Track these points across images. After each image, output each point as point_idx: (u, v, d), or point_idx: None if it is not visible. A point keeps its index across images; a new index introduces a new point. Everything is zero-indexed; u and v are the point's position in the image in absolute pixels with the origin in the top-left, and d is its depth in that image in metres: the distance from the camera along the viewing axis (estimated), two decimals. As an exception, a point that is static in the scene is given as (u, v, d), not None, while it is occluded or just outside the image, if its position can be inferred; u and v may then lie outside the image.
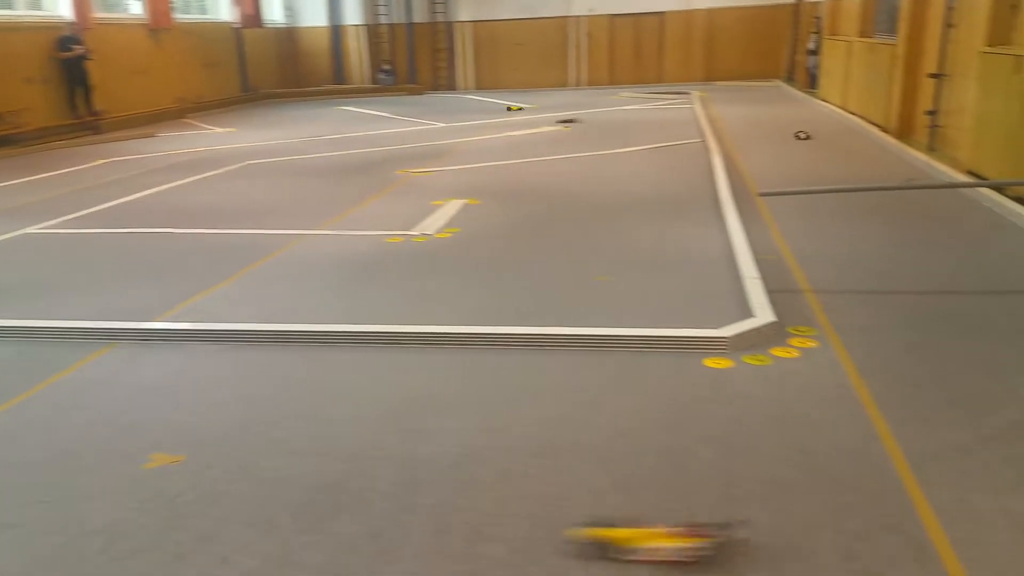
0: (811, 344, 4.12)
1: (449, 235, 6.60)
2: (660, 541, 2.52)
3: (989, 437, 3.18)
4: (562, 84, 22.81)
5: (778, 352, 4.03)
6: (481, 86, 23.17)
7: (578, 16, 22.38)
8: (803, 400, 3.54)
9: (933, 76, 9.65)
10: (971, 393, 3.56)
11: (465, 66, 23.30)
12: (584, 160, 10.17)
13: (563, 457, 3.15)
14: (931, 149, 9.53)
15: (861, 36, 13.63)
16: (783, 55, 21.01)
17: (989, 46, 7.99)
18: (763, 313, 4.40)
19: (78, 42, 14.20)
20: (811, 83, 17.49)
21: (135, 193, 8.95)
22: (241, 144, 12.96)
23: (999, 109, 7.49)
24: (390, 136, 13.31)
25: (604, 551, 2.53)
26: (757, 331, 4.20)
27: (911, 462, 3.00)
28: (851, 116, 13.02)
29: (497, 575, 2.50)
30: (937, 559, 2.47)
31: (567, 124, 13.68)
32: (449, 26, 23.00)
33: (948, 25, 9.31)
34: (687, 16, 21.84)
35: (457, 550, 2.62)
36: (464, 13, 22.94)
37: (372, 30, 23.30)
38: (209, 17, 20.39)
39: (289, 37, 23.59)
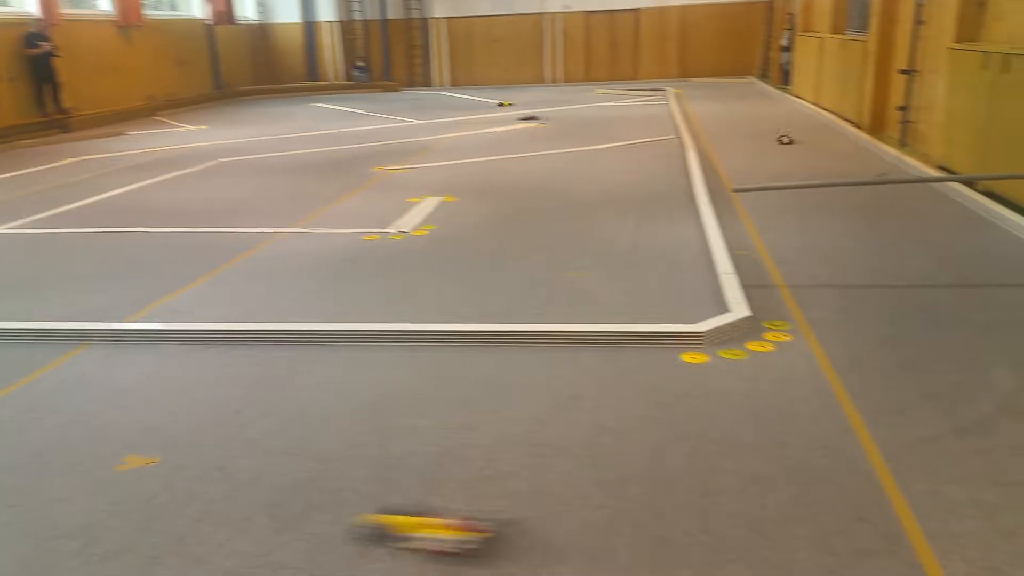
0: (785, 338, 4.15)
1: (426, 232, 6.57)
2: (432, 531, 2.61)
3: (961, 429, 3.22)
4: (538, 81, 22.82)
5: (753, 346, 4.06)
6: (457, 83, 23.13)
7: (553, 13, 22.39)
8: (778, 394, 3.57)
9: (904, 72, 9.76)
10: (943, 386, 3.61)
11: (440, 63, 23.23)
12: (560, 157, 10.18)
13: (540, 454, 3.15)
14: (903, 144, 9.65)
15: (833, 33, 13.76)
16: (757, 52, 21.16)
17: (957, 43, 8.10)
18: (738, 308, 4.43)
19: (45, 38, 13.98)
20: (784, 79, 17.64)
21: (105, 192, 8.83)
22: (213, 142, 12.83)
23: (968, 105, 7.60)
24: (365, 133, 13.24)
25: (382, 538, 2.62)
26: (733, 326, 4.23)
27: (885, 454, 3.04)
28: (824, 112, 13.15)
29: (475, 573, 2.50)
30: (911, 550, 2.50)
31: (529, 121, 13.63)
32: (424, 22, 22.93)
33: (918, 22, 9.42)
34: (661, 13, 21.93)
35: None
36: (439, 9, 22.87)
37: (346, 27, 23.17)
38: (180, 14, 20.16)
39: (262, 34, 23.40)
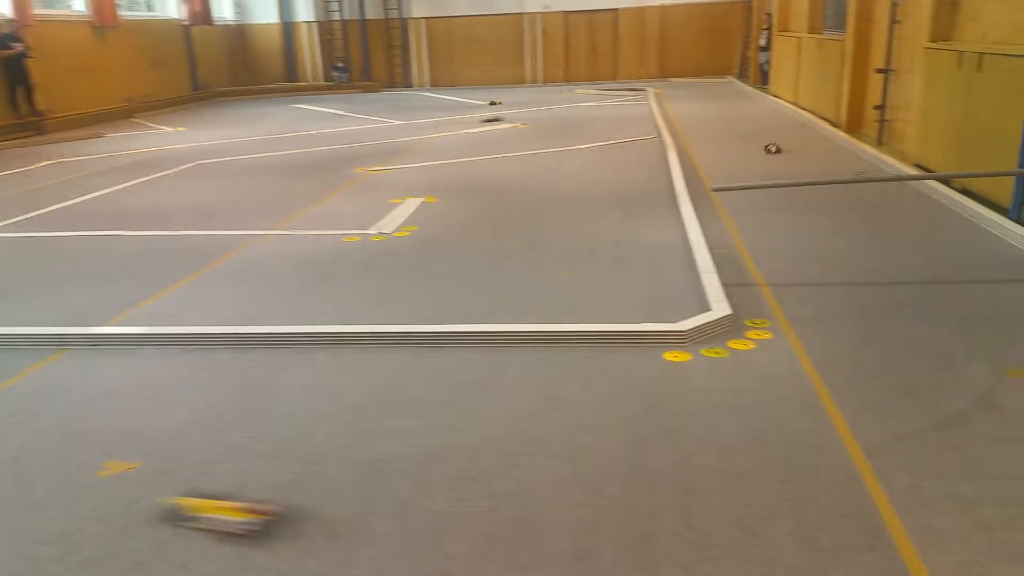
0: (766, 336, 4.18)
1: (408, 233, 6.56)
2: (221, 512, 2.72)
3: (939, 425, 3.26)
4: (519, 81, 22.83)
5: (735, 344, 4.09)
6: (437, 83, 23.09)
7: (533, 13, 22.41)
8: (760, 391, 3.60)
9: (881, 71, 9.86)
10: (921, 382, 3.65)
11: (420, 63, 23.19)
12: (542, 157, 10.19)
13: (524, 454, 3.16)
14: (880, 143, 9.75)
15: (811, 32, 13.87)
16: (735, 51, 21.29)
17: (932, 42, 8.19)
18: (719, 306, 4.46)
19: (18, 39, 13.83)
20: (763, 79, 17.75)
21: (83, 195, 8.75)
22: (192, 144, 12.74)
23: (943, 104, 7.69)
24: (346, 134, 13.19)
25: (177, 518, 2.75)
26: (714, 324, 4.25)
27: (865, 450, 3.07)
28: (802, 111, 13.25)
29: (460, 573, 2.50)
30: (892, 545, 2.53)
31: (493, 123, 13.55)
32: (403, 22, 22.88)
33: (894, 21, 9.52)
34: (640, 13, 22.02)
35: (419, 549, 2.61)
36: (418, 9, 22.83)
37: (324, 27, 23.08)
38: (156, 15, 19.99)
39: (240, 35, 23.26)
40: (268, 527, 2.69)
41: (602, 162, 9.64)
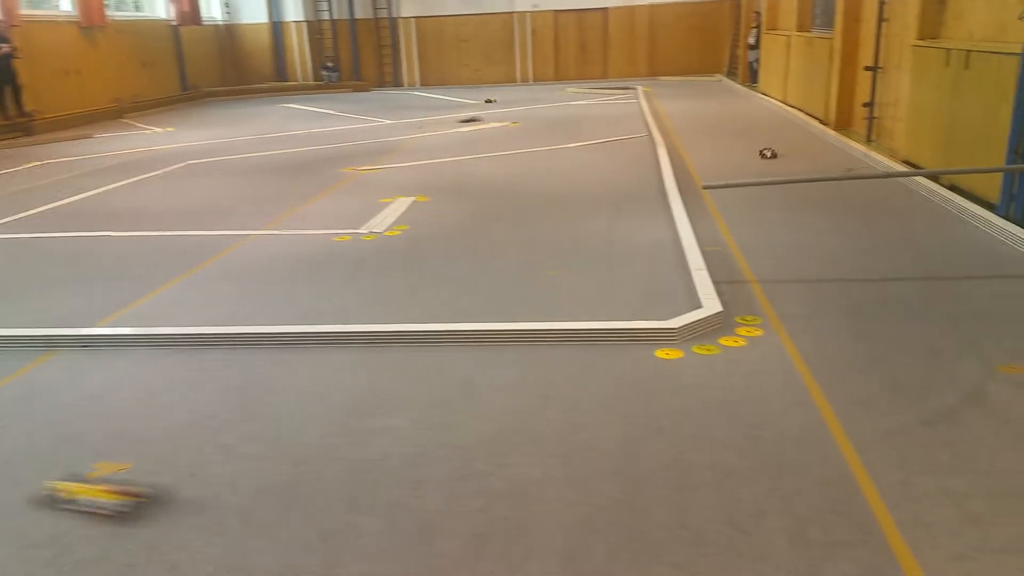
0: (757, 333, 4.19)
1: (398, 232, 6.55)
2: (92, 495, 2.82)
3: (928, 420, 3.28)
4: (509, 80, 22.82)
5: (726, 341, 4.10)
6: (427, 82, 23.06)
7: (522, 12, 22.41)
8: (751, 388, 3.61)
9: (869, 69, 9.90)
10: (912, 378, 3.66)
11: (410, 62, 23.15)
12: (532, 156, 10.19)
13: (516, 452, 3.16)
14: (869, 140, 9.78)
15: (799, 30, 13.91)
16: (724, 50, 21.34)
17: (920, 39, 8.23)
18: (710, 304, 4.47)
19: (5, 40, 13.76)
20: (752, 77, 17.80)
21: (72, 196, 8.70)
22: (182, 144, 12.69)
23: (931, 101, 7.72)
24: (336, 133, 13.16)
25: (55, 502, 2.86)
26: (705, 321, 4.26)
27: (856, 446, 3.08)
28: (791, 109, 13.29)
29: (452, 572, 2.50)
30: (884, 540, 2.54)
31: (471, 123, 13.48)
32: (393, 22, 22.83)
33: (882, 19, 9.56)
34: (630, 12, 22.04)
35: (411, 549, 2.61)
36: (407, 8, 22.79)
37: (314, 26, 23.01)
38: (145, 15, 19.90)
39: (228, 34, 23.17)
40: (138, 508, 2.82)
41: (593, 160, 9.65)
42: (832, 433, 3.19)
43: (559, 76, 22.63)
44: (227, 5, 23.07)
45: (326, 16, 22.90)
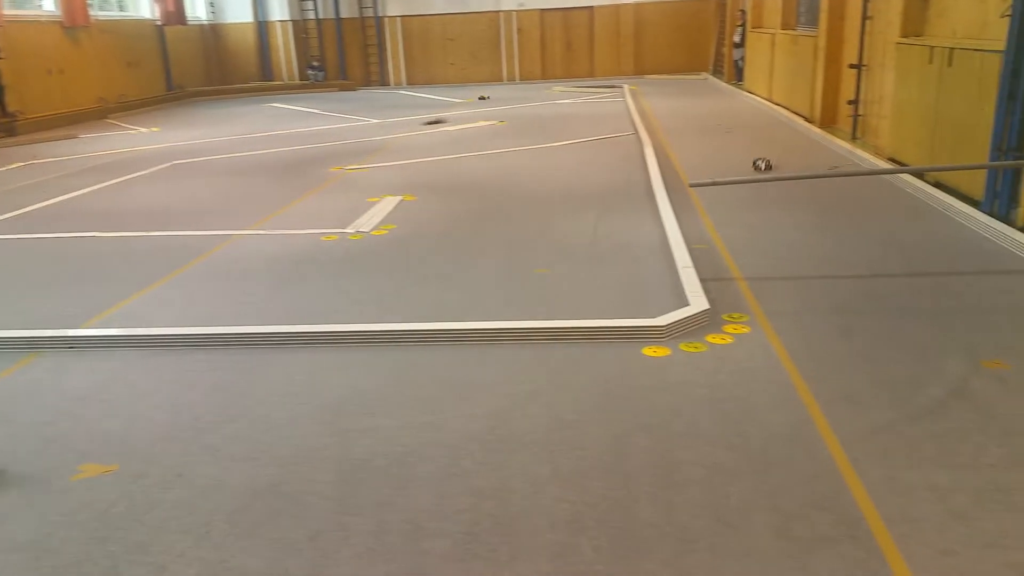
0: (744, 330, 4.21)
1: (386, 232, 6.54)
2: None
3: (914, 416, 3.30)
4: (496, 79, 22.80)
5: (713, 339, 4.11)
6: (413, 81, 23.01)
7: (508, 11, 22.39)
8: (738, 385, 3.62)
9: (853, 67, 9.94)
10: (898, 373, 3.68)
11: (396, 61, 23.09)
12: (520, 154, 10.19)
13: (504, 450, 3.15)
14: (854, 138, 9.83)
15: (784, 29, 13.96)
16: (710, 48, 21.39)
17: (904, 37, 8.28)
18: (697, 301, 4.48)
19: (-12, 40, 13.64)
20: (737, 75, 17.85)
21: (57, 196, 8.63)
22: (167, 144, 12.61)
23: (915, 98, 7.77)
24: (322, 133, 13.11)
25: None
26: (692, 319, 4.27)
27: (842, 442, 3.09)
28: (777, 107, 13.33)
29: (440, 571, 2.50)
30: (870, 535, 2.55)
31: (436, 125, 13.35)
32: (379, 21, 22.77)
33: (866, 17, 9.60)
34: (615, 11, 22.06)
35: (399, 548, 2.60)
36: (393, 8, 22.73)
37: (299, 26, 22.92)
38: (129, 15, 19.76)
39: (213, 34, 23.04)
40: None
41: (579, 159, 9.65)
42: (818, 429, 3.20)
43: (545, 75, 22.63)
44: (212, 5, 22.94)
45: (312, 15, 22.82)
